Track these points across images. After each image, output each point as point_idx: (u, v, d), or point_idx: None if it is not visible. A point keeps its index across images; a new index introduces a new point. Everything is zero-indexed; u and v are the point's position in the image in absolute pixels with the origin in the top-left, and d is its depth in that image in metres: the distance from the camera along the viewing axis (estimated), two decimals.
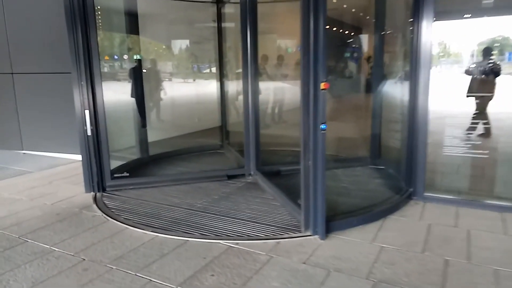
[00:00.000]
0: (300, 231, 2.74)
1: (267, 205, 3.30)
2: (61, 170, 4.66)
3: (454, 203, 3.21)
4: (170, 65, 6.83)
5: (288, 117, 7.37)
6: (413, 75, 3.21)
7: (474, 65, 3.47)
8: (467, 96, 3.51)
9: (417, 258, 2.37)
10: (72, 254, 2.52)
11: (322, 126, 2.43)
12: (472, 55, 3.55)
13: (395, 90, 3.87)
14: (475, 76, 3.45)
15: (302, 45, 2.47)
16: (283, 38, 6.60)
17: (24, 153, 5.63)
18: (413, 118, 3.24)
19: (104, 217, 3.12)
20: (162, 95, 6.11)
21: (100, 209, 3.28)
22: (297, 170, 4.30)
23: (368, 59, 4.94)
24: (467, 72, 3.48)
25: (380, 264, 2.31)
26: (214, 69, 6.73)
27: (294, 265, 2.32)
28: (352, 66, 6.24)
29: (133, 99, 4.97)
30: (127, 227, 2.91)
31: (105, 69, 5.32)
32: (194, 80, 6.63)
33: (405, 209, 3.15)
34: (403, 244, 2.54)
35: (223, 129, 5.45)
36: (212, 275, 2.22)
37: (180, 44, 6.69)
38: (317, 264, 2.32)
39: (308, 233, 2.69)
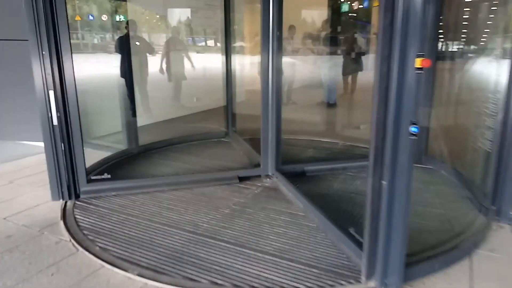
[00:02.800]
0: (358, 279, 1.86)
1: (298, 225, 2.41)
2: (29, 162, 3.72)
3: None
4: (165, 37, 5.88)
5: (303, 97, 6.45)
6: None
7: None
8: None
9: None
10: None
11: (413, 129, 1.51)
12: None
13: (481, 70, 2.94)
14: None
15: None
16: None
17: None
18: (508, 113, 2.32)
19: (73, 244, 2.22)
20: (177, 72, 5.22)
21: (68, 229, 2.37)
22: (325, 171, 3.47)
23: None
24: None
25: None
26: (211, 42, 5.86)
27: None
28: None
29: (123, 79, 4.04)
30: (103, 265, 2.01)
31: (79, 36, 4.36)
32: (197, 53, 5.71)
33: (492, 239, 2.28)
34: None
35: (228, 111, 4.50)
36: None
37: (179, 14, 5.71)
38: None
39: (372, 285, 1.81)
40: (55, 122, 2.61)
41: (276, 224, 2.44)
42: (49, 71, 2.55)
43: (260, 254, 2.09)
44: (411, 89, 1.49)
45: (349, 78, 5.99)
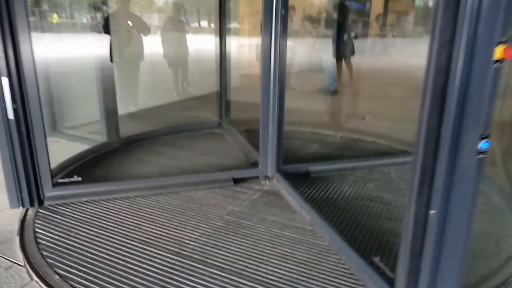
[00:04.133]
0: None
1: (305, 244, 2.00)
2: None
3: None
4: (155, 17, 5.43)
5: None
6: None
7: None
8: None
9: None
10: None
11: (483, 145, 1.08)
12: None
13: None
14: None
15: None
16: None
17: None
18: None
19: (28, 271, 1.79)
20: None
21: (24, 249, 1.93)
22: (331, 171, 3.03)
23: None
24: None
25: None
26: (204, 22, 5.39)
27: None
28: None
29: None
30: None
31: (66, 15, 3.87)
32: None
33: None
34: None
35: (222, 98, 4.03)
36: None
37: None
38: None
39: None
40: (11, 115, 2.14)
41: (279, 242, 2.02)
42: (1, 53, 2.06)
43: None
44: (482, 89, 1.05)
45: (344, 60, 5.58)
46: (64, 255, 1.87)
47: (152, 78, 5.31)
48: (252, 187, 2.67)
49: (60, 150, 3.20)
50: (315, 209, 2.23)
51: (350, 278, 1.75)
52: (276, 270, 1.79)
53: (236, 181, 2.71)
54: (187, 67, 5.33)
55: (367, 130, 3.97)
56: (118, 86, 3.54)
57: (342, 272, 1.79)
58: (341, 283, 1.71)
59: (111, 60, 3.72)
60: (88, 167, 2.91)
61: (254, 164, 2.90)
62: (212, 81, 4.07)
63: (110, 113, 3.43)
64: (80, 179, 2.46)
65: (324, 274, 1.77)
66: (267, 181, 2.74)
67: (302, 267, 1.82)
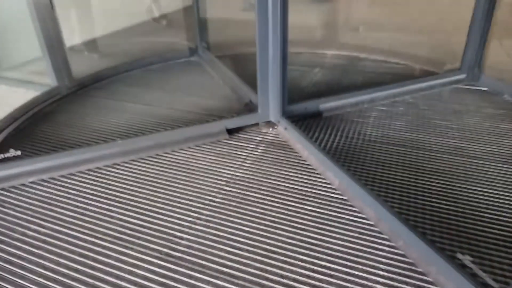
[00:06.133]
0: None
1: (356, 229, 1.48)
2: None
3: None
4: None
5: None
6: None
7: None
8: None
9: None
10: None
11: None
12: None
13: None
14: None
15: None
16: None
17: None
18: None
19: None
20: None
21: None
22: (347, 106, 2.37)
23: None
24: None
25: None
26: None
27: None
28: None
29: None
30: None
31: None
32: None
33: None
34: None
35: (197, 16, 3.23)
36: None
37: None
38: None
39: None
40: None
41: (304, 222, 1.49)
42: None
43: None
44: None
45: None
46: None
47: None
48: (252, 138, 2.08)
49: None
50: (344, 170, 1.67)
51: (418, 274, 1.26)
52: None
53: (231, 132, 2.10)
54: None
55: (376, 47, 3.31)
56: (60, 8, 2.68)
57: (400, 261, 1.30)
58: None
59: None
60: (33, 126, 2.22)
61: (249, 105, 2.28)
62: None
63: (54, 45, 2.62)
64: (19, 153, 1.79)
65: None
66: (270, 129, 2.14)
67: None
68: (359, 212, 1.53)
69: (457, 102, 2.41)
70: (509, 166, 1.78)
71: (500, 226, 1.43)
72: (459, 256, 1.28)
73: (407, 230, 1.32)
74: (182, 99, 2.52)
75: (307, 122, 2.19)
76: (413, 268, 1.28)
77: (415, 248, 1.30)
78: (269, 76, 2.04)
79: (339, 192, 1.65)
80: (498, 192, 1.61)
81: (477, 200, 1.58)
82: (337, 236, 1.42)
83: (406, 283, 1.22)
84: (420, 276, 1.24)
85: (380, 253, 1.34)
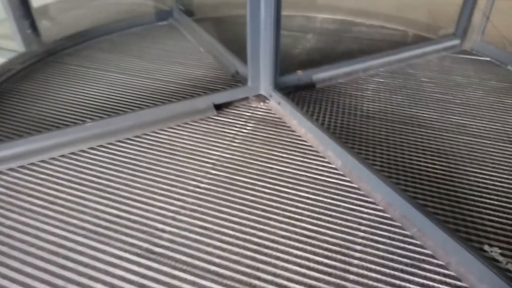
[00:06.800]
0: None
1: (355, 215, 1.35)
2: None
3: None
4: None
5: None
6: None
7: None
8: None
9: None
10: None
11: None
12: None
13: None
14: None
15: None
16: None
17: None
18: None
19: None
20: None
21: None
22: (341, 76, 2.11)
23: None
24: None
25: None
26: None
27: None
28: None
29: None
30: None
31: None
32: None
33: None
34: None
35: None
36: None
37: None
38: None
39: None
40: None
41: (309, 209, 1.36)
42: None
43: None
44: None
45: None
46: None
47: None
48: (241, 114, 1.90)
49: None
50: (348, 149, 1.52)
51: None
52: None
53: (219, 107, 1.92)
54: None
55: (371, 10, 3.10)
56: None
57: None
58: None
59: None
60: None
61: (235, 76, 2.09)
62: None
63: (20, 4, 2.35)
64: None
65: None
66: (261, 103, 1.96)
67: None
68: (366, 196, 1.40)
69: (459, 73, 2.26)
70: None
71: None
72: (486, 247, 1.18)
73: (423, 217, 1.19)
74: (161, 66, 2.31)
75: (299, 95, 2.02)
76: (430, 259, 1.17)
77: (430, 236, 1.18)
78: (261, 44, 1.83)
79: (340, 173, 1.51)
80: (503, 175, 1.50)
81: (483, 182, 1.46)
82: (346, 224, 1.29)
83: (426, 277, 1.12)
84: (438, 269, 1.14)
85: (395, 243, 1.22)
